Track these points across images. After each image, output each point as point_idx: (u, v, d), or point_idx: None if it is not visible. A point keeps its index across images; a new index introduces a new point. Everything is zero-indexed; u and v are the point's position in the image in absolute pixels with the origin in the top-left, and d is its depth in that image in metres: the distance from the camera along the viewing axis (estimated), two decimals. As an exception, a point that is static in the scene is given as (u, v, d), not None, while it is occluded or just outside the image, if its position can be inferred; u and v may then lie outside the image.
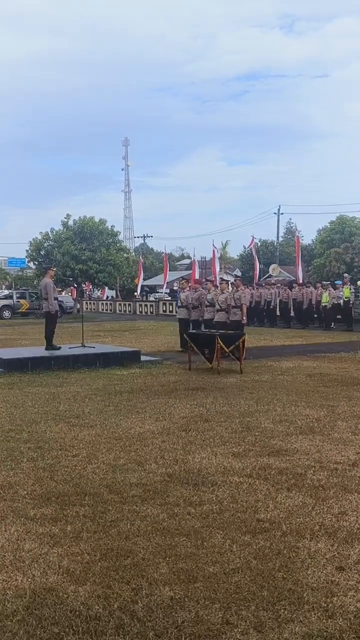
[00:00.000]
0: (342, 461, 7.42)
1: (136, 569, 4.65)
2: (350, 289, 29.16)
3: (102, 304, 59.73)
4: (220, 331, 16.18)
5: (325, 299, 28.83)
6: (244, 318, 18.05)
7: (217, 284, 21.50)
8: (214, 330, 16.45)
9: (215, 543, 5.12)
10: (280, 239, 74.76)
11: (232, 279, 30.70)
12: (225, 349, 14.76)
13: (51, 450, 8.02)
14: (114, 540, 5.18)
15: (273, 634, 3.81)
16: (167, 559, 4.82)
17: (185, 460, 7.48)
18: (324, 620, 3.96)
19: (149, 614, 4.03)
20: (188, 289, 21.16)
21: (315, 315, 31.21)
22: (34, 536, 5.28)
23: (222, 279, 23.44)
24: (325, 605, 4.15)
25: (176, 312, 24.51)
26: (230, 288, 20.50)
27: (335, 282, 32.24)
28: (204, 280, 28.07)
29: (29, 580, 4.51)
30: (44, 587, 4.40)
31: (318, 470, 7.08)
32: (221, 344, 14.60)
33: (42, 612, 4.07)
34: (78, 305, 47.92)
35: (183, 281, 22.49)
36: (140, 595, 4.27)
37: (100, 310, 57.80)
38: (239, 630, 3.86)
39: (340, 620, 3.96)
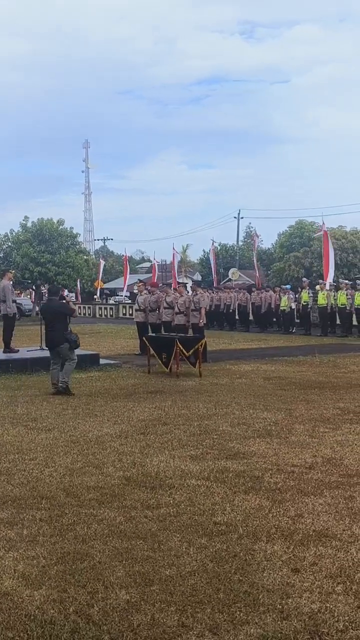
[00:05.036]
0: (299, 464, 7.48)
1: (92, 573, 4.64)
2: (308, 294, 29.40)
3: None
4: (180, 334, 16.19)
5: (284, 303, 29.03)
6: (202, 321, 18.10)
7: (175, 288, 21.54)
8: (174, 334, 16.44)
9: (172, 546, 5.12)
10: (240, 243, 75.15)
11: (190, 283, 30.82)
12: (185, 352, 14.77)
13: (8, 454, 7.95)
14: (70, 544, 5.15)
15: (228, 636, 3.83)
16: (124, 562, 4.82)
17: (143, 464, 7.48)
18: (279, 622, 3.98)
19: (104, 618, 4.02)
20: (145, 292, 21.08)
21: (274, 319, 31.40)
22: (-11, 540, 5.24)
23: (179, 282, 23.48)
24: (280, 606, 4.17)
25: (134, 315, 24.37)
26: (190, 291, 20.58)
27: (284, 286, 32.34)
28: (160, 283, 28.07)
29: (-16, 585, 4.47)
30: (-1, 592, 4.36)
31: (275, 473, 7.14)
32: (180, 347, 14.61)
33: (-3, 616, 4.03)
34: (37, 308, 47.59)
35: (140, 284, 22.17)
36: (96, 599, 4.25)
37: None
38: (195, 632, 3.87)
39: (295, 621, 3.99)
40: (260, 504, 6.12)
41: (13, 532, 5.40)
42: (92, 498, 6.28)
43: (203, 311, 18.18)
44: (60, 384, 12.32)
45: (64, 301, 13.44)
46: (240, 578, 4.57)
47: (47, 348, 13.10)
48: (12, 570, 4.67)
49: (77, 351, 13.06)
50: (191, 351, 14.91)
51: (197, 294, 18.36)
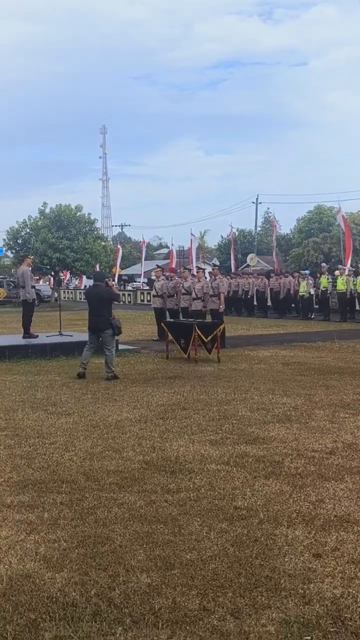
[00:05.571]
0: (319, 449, 7.45)
1: (113, 556, 4.64)
2: (327, 279, 29.24)
3: (80, 292, 59.44)
4: (198, 320, 16.15)
5: (303, 288, 28.90)
6: (222, 306, 18.03)
7: (194, 273, 21.46)
8: (192, 320, 16.41)
9: (193, 530, 5.11)
10: (258, 228, 74.86)
11: (209, 268, 30.72)
12: (204, 338, 14.73)
13: (28, 438, 7.98)
14: (91, 528, 5.16)
15: (250, 620, 3.82)
16: (144, 546, 4.82)
17: (162, 448, 7.48)
18: (300, 607, 3.97)
19: (126, 601, 4.02)
20: (163, 277, 21.03)
21: (293, 305, 31.27)
22: (11, 523, 5.26)
23: (198, 267, 23.38)
24: (302, 591, 4.16)
25: (151, 301, 24.29)
26: (208, 277, 20.49)
27: (303, 272, 32.24)
28: (179, 269, 27.96)
29: (6, 567, 4.48)
30: (21, 573, 4.38)
31: (295, 458, 7.11)
32: (199, 333, 14.57)
33: (19, 598, 4.05)
34: (55, 294, 47.69)
35: (158, 270, 22.00)
36: (118, 582, 4.26)
37: (77, 299, 57.55)
38: (216, 616, 3.86)
39: (317, 606, 3.97)
40: (280, 489, 6.10)
41: (34, 516, 5.41)
42: (113, 482, 6.29)
43: (222, 297, 18.10)
44: (109, 375, 12.34)
45: (108, 287, 13.40)
46: (262, 563, 4.56)
47: (90, 331, 13.02)
48: (34, 553, 4.69)
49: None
50: (210, 337, 14.85)
51: (216, 279, 18.30)
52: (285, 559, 4.62)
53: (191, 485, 6.18)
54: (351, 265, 31.29)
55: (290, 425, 8.60)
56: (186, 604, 3.99)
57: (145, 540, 4.92)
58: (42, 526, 5.19)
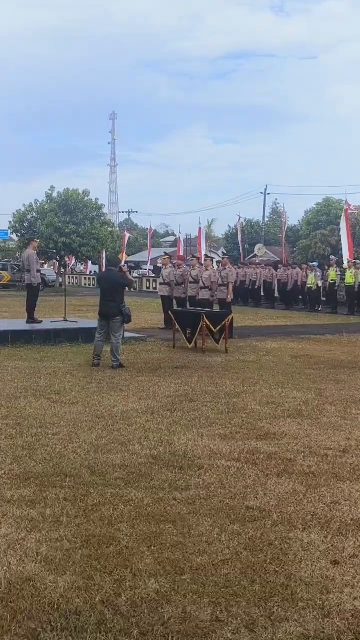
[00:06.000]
0: (332, 447, 7.17)
1: (119, 558, 4.37)
2: (336, 271, 28.92)
3: (85, 278, 59.17)
4: (207, 309, 15.86)
5: (311, 280, 28.60)
6: (230, 296, 17.72)
7: (202, 261, 21.12)
8: (200, 309, 16.10)
9: (203, 531, 4.85)
10: (266, 219, 74.41)
11: (217, 257, 30.41)
12: (212, 328, 14.43)
13: (31, 427, 7.70)
14: (96, 526, 4.89)
15: (266, 634, 3.55)
16: (152, 547, 4.55)
17: (170, 442, 7.20)
18: (320, 620, 3.71)
19: (133, 609, 3.75)
20: (171, 265, 20.67)
21: (300, 297, 30.98)
22: (11, 520, 4.98)
23: (206, 256, 23.05)
24: (320, 602, 3.89)
25: (158, 289, 23.92)
26: (215, 265, 20.17)
27: (312, 264, 32.00)
28: (188, 257, 27.63)
29: (5, 568, 4.21)
30: (21, 576, 4.10)
31: (308, 456, 6.83)
32: (207, 322, 14.27)
33: (18, 604, 3.77)
34: (60, 279, 47.40)
35: (166, 257, 21.46)
36: (124, 588, 3.99)
37: (83, 284, 57.28)
38: (230, 629, 3.59)
39: (337, 619, 3.71)
40: (294, 489, 5.83)
41: (36, 512, 5.14)
42: (118, 477, 6.01)
43: (231, 286, 17.78)
44: (114, 363, 12.05)
45: (122, 272, 13.11)
46: (277, 569, 4.29)
47: (101, 317, 12.71)
48: (35, 553, 4.41)
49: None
50: (218, 327, 14.56)
51: (225, 269, 17.99)
52: (302, 566, 4.35)
53: (201, 483, 5.91)
54: (354, 258, 30.95)
55: (301, 421, 8.33)
56: (197, 614, 3.72)
57: (153, 541, 4.65)
58: (44, 524, 4.91)
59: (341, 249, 46.31)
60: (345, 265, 29.64)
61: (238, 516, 5.16)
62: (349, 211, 35.50)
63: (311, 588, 4.07)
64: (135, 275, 57.42)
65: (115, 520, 5.00)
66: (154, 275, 49.74)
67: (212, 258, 21.80)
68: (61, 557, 4.37)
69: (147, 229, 64.98)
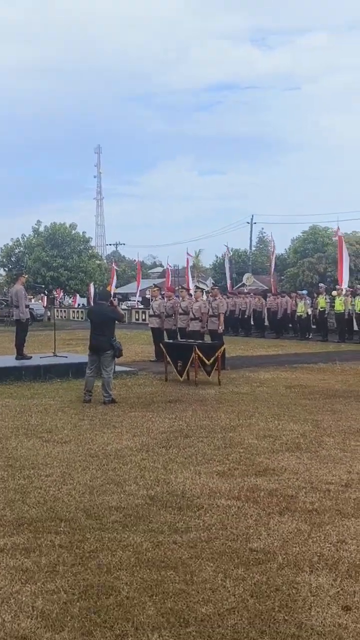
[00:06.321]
0: (334, 481, 6.97)
1: (120, 610, 4.14)
2: (325, 299, 28.84)
3: (74, 311, 58.95)
4: (199, 341, 15.67)
5: (301, 308, 28.50)
6: (221, 327, 17.55)
7: (191, 292, 20.98)
8: (192, 340, 15.91)
9: (206, 577, 4.62)
10: (253, 248, 74.57)
11: (206, 287, 30.27)
12: (205, 360, 14.23)
13: (23, 469, 7.46)
14: (94, 575, 4.65)
15: None
16: (154, 597, 4.32)
17: (167, 481, 6.97)
18: (335, 674, 3.49)
19: (136, 668, 3.53)
20: (160, 297, 20.52)
21: (290, 325, 30.87)
22: (4, 570, 4.73)
23: (197, 287, 22.91)
24: (335, 654, 3.67)
25: (148, 320, 23.73)
26: (205, 296, 20.02)
27: (301, 292, 31.88)
28: (177, 287, 27.48)
29: (-1, 625, 3.97)
30: (15, 634, 3.85)
31: (310, 491, 6.62)
32: (199, 354, 14.08)
33: (14, 667, 3.54)
34: (49, 313, 47.20)
35: (155, 289, 21.41)
36: (126, 644, 3.76)
37: (71, 317, 57.04)
38: None
39: (354, 672, 3.49)
40: (298, 528, 5.61)
41: (30, 561, 4.89)
42: (115, 520, 5.78)
43: (222, 317, 17.62)
44: (106, 399, 11.83)
45: (112, 305, 12.94)
46: (286, 617, 4.07)
47: (91, 351, 12.50)
48: (30, 608, 4.16)
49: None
50: (211, 359, 14.35)
51: (216, 299, 17.85)
52: (312, 613, 4.14)
53: (201, 524, 5.68)
54: (348, 286, 30.88)
55: (300, 454, 8.12)
56: (205, 670, 3.50)
57: (155, 590, 4.42)
58: (40, 574, 4.67)
59: (329, 277, 46.40)
60: (334, 292, 29.55)
61: (242, 559, 4.94)
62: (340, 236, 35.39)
63: (323, 638, 3.85)
64: (123, 307, 57.29)
65: (114, 568, 4.77)
66: (142, 306, 49.57)
67: (203, 289, 21.63)
68: (58, 611, 4.13)
69: (135, 260, 64.92)
